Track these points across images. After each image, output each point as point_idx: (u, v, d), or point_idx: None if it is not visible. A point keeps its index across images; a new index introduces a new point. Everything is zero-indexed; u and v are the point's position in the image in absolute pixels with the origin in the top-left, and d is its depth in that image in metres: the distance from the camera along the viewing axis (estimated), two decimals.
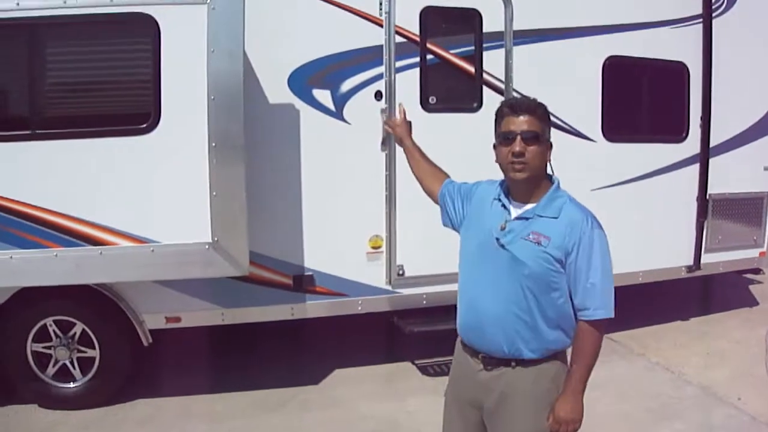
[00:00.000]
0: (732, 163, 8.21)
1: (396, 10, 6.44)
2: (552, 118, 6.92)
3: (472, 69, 6.83)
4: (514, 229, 3.20)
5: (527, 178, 3.18)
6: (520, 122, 3.17)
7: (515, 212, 3.25)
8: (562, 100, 7.12)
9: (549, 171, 3.34)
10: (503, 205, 3.30)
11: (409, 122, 4.15)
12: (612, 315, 3.21)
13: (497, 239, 3.20)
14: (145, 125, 5.55)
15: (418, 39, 6.61)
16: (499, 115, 3.28)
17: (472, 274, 3.37)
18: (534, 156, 3.15)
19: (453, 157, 6.20)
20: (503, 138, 3.21)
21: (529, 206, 3.24)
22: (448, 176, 3.83)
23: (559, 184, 3.31)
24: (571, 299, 3.21)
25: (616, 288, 8.12)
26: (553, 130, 7.04)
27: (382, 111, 6.45)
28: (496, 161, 3.31)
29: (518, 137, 3.14)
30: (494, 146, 3.32)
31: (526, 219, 3.20)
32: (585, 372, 3.23)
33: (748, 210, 8.39)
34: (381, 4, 6.41)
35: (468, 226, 3.50)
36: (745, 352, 7.65)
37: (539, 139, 3.17)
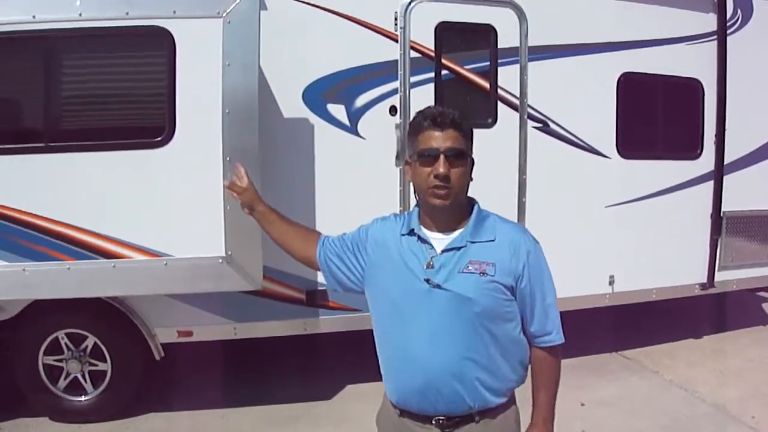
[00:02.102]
0: (746, 180, 8.18)
1: (411, 25, 6.42)
2: (567, 134, 7.04)
3: (486, 85, 6.82)
4: (446, 263, 2.72)
5: (450, 204, 2.72)
6: (444, 138, 2.68)
7: (440, 244, 2.77)
8: (577, 116, 7.17)
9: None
10: (420, 238, 2.80)
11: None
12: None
13: (427, 280, 2.70)
14: (159, 139, 5.57)
15: (433, 54, 6.60)
16: (416, 128, 2.76)
17: (400, 330, 2.78)
18: (459, 178, 2.69)
19: None
20: (421, 156, 2.71)
21: (455, 234, 2.77)
22: (319, 233, 3.24)
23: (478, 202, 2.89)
24: (522, 326, 2.83)
25: (629, 306, 8.10)
26: (568, 146, 7.15)
27: (397, 126, 6.44)
28: (410, 180, 2.86)
29: (441, 156, 2.66)
30: (407, 163, 2.86)
31: (457, 249, 2.73)
32: (554, 400, 2.90)
33: (762, 227, 8.33)
34: (396, 19, 6.41)
35: (375, 279, 2.92)
36: (759, 371, 7.61)
37: (465, 157, 2.72)
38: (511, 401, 2.89)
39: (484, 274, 2.68)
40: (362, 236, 3.03)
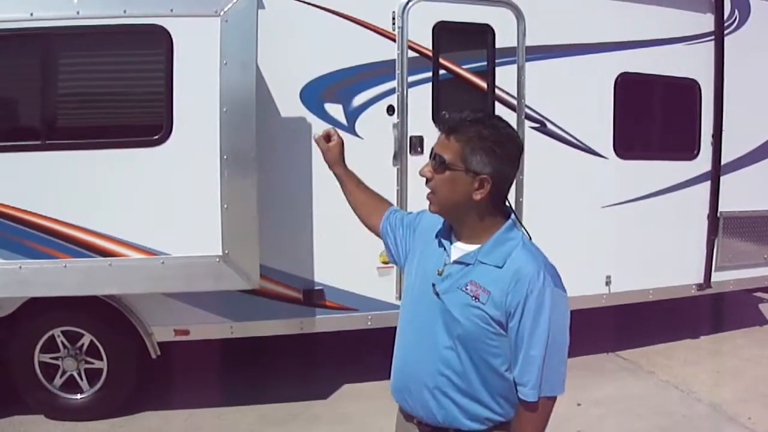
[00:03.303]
0: (743, 180, 8.18)
1: (409, 24, 6.41)
2: (564, 134, 7.02)
3: (484, 84, 6.81)
4: (452, 275, 2.59)
5: (438, 212, 2.64)
6: (438, 142, 2.61)
7: (455, 253, 2.64)
8: (574, 116, 7.17)
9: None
10: (442, 245, 2.70)
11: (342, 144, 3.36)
12: (555, 393, 2.55)
13: (434, 285, 2.61)
14: (156, 137, 5.57)
15: (430, 54, 6.59)
16: None
17: (407, 323, 2.77)
18: (442, 186, 2.56)
19: None
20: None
21: (471, 248, 2.60)
22: (391, 205, 3.22)
23: (514, 222, 2.64)
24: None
25: (626, 306, 8.04)
26: (565, 147, 7.13)
27: (395, 126, 6.43)
28: None
29: (430, 159, 2.60)
30: None
31: (466, 264, 2.57)
32: None
33: (759, 228, 8.33)
34: (394, 18, 6.40)
35: (411, 265, 2.86)
36: (755, 371, 7.61)
37: (450, 168, 2.53)
38: (492, 429, 2.65)
39: (476, 299, 2.50)
40: (415, 221, 2.99)
